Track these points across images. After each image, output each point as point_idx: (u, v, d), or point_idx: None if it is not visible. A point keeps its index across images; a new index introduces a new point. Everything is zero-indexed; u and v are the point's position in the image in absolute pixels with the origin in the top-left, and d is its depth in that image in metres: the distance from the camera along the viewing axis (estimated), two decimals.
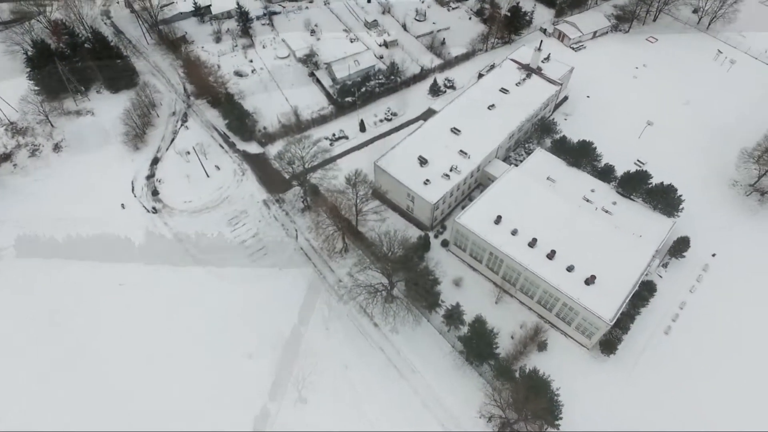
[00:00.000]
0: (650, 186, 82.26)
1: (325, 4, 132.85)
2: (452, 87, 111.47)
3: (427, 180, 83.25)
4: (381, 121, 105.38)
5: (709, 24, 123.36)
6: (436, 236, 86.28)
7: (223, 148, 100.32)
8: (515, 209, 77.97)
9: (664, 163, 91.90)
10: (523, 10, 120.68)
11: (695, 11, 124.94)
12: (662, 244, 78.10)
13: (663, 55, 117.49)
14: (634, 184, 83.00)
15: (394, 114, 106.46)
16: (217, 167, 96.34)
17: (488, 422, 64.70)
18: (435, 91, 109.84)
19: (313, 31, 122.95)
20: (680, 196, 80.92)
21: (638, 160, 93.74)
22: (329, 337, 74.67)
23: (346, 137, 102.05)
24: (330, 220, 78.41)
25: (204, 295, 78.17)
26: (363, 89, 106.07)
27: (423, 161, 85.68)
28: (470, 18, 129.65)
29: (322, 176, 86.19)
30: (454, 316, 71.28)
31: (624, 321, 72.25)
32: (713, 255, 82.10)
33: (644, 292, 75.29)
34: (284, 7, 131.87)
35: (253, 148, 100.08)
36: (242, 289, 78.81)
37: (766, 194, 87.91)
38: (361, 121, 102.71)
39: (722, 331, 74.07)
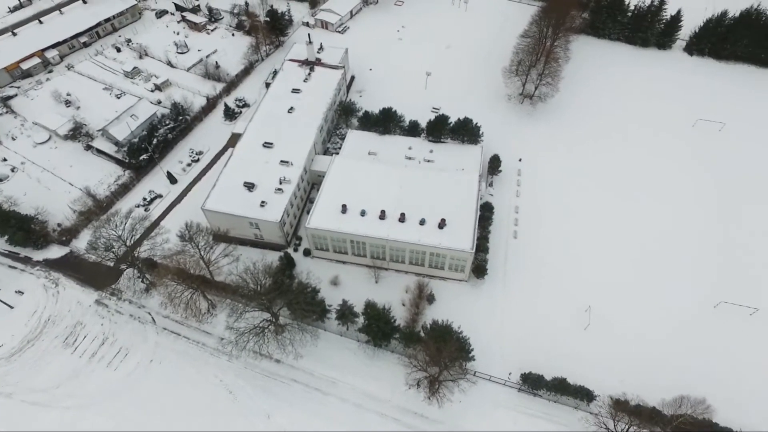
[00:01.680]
0: (451, 125, 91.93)
1: (69, 69, 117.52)
2: (246, 105, 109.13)
3: (263, 202, 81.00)
4: (189, 165, 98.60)
5: None
6: (296, 250, 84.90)
7: (15, 268, 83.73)
8: (354, 192, 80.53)
9: (453, 101, 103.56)
10: (280, 12, 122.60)
11: None
12: (481, 168, 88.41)
13: (413, 13, 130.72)
14: (439, 129, 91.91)
15: (200, 153, 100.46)
16: (19, 292, 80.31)
17: (418, 388, 67.18)
18: (230, 115, 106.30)
19: (68, 102, 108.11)
20: (476, 123, 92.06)
21: (433, 108, 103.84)
22: (235, 399, 69.14)
23: (160, 196, 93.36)
24: (182, 286, 71.52)
25: None
26: (154, 141, 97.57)
27: (250, 186, 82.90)
28: (233, 34, 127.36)
29: (151, 246, 77.90)
30: (345, 313, 71.53)
31: (482, 244, 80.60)
32: (520, 160, 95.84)
33: (486, 213, 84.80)
34: (19, 87, 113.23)
35: (54, 252, 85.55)
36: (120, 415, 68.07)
37: (533, 97, 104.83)
38: (168, 173, 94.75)
39: (552, 213, 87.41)
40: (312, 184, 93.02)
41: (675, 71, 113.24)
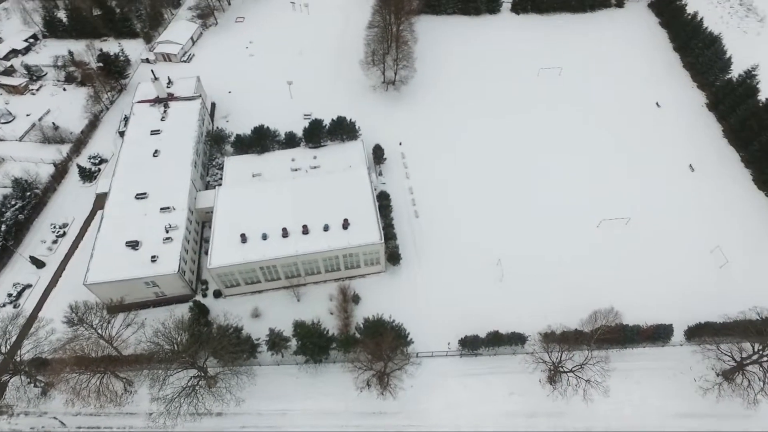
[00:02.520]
0: (327, 127, 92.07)
1: None
2: (103, 161, 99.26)
3: (153, 256, 74.70)
4: (54, 242, 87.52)
5: None
6: (205, 295, 79.63)
7: None
8: (249, 218, 77.38)
9: (321, 103, 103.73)
10: (112, 54, 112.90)
11: None
12: (367, 161, 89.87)
13: (257, 27, 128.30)
14: (316, 133, 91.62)
15: (64, 225, 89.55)
16: None
17: (368, 388, 67.04)
18: (87, 176, 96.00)
19: None
20: (350, 119, 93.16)
21: (305, 114, 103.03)
22: None
23: (29, 285, 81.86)
24: (86, 374, 63.43)
25: None
26: (2, 227, 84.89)
27: (133, 244, 75.91)
28: (64, 89, 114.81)
29: (35, 344, 68.03)
30: (276, 341, 68.83)
31: (389, 232, 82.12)
32: (400, 143, 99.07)
33: (384, 201, 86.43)
34: None
35: None
36: None
37: (395, 82, 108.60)
38: (31, 257, 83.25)
39: (443, 185, 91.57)
40: (202, 222, 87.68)
41: (509, 30, 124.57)
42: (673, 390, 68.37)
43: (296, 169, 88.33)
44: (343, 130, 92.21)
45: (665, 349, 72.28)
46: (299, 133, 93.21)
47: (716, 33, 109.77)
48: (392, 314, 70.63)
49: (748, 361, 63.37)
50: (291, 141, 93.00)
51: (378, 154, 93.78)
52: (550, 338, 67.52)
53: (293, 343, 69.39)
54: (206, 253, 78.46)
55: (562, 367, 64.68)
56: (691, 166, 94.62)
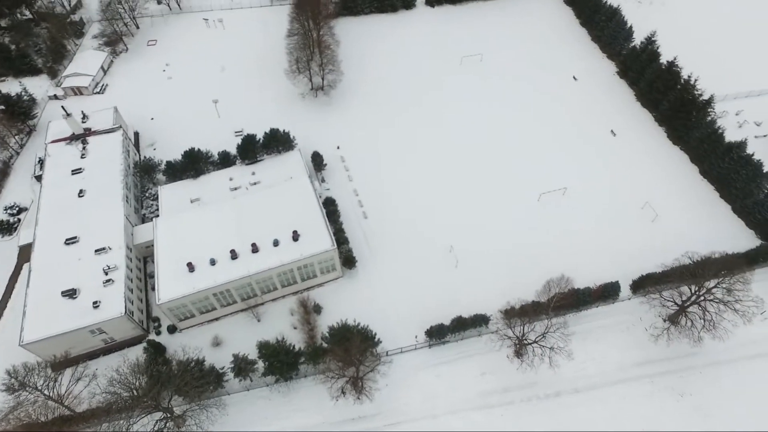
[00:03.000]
0: (261, 141, 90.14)
1: None
2: (22, 210, 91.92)
3: (96, 302, 70.29)
4: None
5: (179, 4, 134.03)
6: (158, 333, 75.79)
7: None
8: (194, 246, 74.42)
9: (252, 118, 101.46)
10: (13, 94, 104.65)
11: (159, 2, 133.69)
12: (308, 169, 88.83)
13: (171, 48, 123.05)
14: (251, 149, 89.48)
15: None
16: None
17: (344, 395, 66.37)
18: (6, 229, 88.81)
19: None
20: (284, 130, 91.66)
21: (236, 131, 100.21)
22: None
23: None
24: None
25: None
26: None
27: (71, 293, 71.00)
28: None
29: None
30: (242, 367, 66.64)
31: (340, 237, 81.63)
32: (338, 147, 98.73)
33: (330, 207, 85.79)
34: None
35: None
36: None
37: (324, 87, 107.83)
38: None
39: (386, 181, 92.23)
40: (144, 258, 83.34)
41: (427, 23, 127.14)
42: (628, 342, 72.66)
43: (236, 188, 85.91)
44: (278, 141, 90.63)
45: (616, 305, 76.62)
46: (233, 151, 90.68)
47: (615, 6, 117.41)
48: (356, 318, 70.34)
49: (688, 303, 68.45)
50: (226, 160, 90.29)
51: (317, 161, 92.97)
52: (510, 314, 69.72)
53: (260, 365, 67.48)
54: (153, 288, 74.57)
55: (526, 339, 67.02)
56: (612, 131, 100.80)
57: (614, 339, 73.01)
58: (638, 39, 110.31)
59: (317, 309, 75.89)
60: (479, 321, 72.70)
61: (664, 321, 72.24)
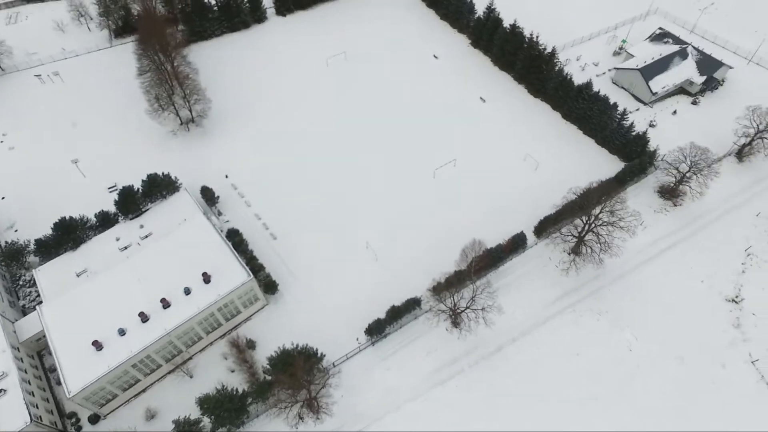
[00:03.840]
0: (140, 190, 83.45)
1: None
2: None
3: None
4: None
5: (0, 66, 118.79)
6: (79, 427, 67.34)
7: None
8: (94, 322, 67.09)
9: (122, 168, 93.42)
10: None
11: None
12: (200, 206, 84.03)
13: (4, 113, 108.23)
14: (132, 201, 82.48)
15: None
16: None
17: (301, 420, 64.53)
18: None
19: None
20: (164, 173, 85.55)
21: (109, 188, 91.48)
22: None
23: None
24: None
25: None
26: None
27: None
28: None
29: None
30: (186, 431, 61.74)
31: (254, 264, 78.34)
32: (226, 176, 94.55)
33: (236, 238, 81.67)
34: None
35: None
36: None
37: (195, 118, 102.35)
38: None
39: (285, 197, 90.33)
40: (38, 352, 73.39)
41: (284, 33, 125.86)
42: (545, 282, 79.05)
43: (126, 247, 78.84)
44: (160, 186, 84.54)
45: (527, 253, 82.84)
46: (112, 208, 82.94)
47: None
48: (293, 340, 68.37)
49: (583, 233, 76.11)
50: (106, 221, 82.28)
51: (208, 196, 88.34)
52: (438, 289, 72.28)
53: (206, 421, 63.04)
54: (58, 383, 66.07)
55: (458, 308, 70.00)
56: (481, 98, 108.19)
57: (533, 283, 78.99)
58: (480, 10, 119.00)
59: (251, 344, 72.51)
60: (412, 305, 74.43)
61: (569, 254, 79.67)
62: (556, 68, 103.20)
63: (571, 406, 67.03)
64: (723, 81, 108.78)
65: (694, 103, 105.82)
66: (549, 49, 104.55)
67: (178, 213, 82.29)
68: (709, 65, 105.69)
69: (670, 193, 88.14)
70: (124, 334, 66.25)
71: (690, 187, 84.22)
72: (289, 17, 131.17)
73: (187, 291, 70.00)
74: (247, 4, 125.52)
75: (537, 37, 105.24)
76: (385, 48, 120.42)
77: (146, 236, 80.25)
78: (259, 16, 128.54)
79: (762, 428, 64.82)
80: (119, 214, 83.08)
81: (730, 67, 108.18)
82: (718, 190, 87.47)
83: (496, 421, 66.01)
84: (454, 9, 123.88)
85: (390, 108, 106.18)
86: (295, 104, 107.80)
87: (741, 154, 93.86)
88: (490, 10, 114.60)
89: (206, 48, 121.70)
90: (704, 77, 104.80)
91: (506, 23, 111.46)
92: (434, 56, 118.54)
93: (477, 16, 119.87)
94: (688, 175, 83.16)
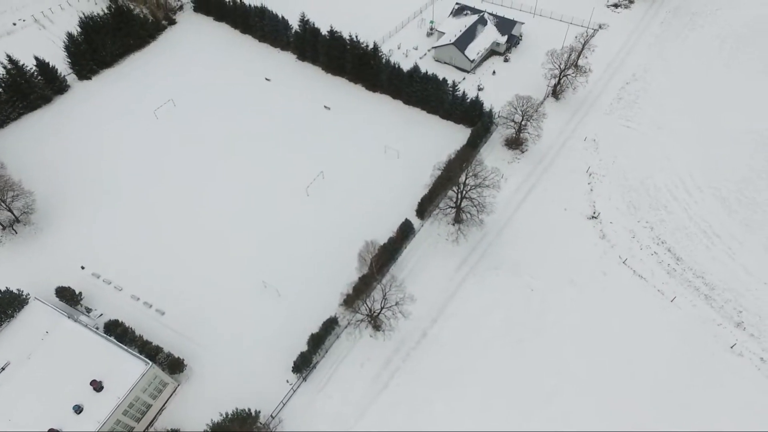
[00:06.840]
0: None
1: None
2: None
3: None
4: None
5: None
6: None
7: None
8: None
9: None
10: None
11: None
12: (61, 310, 72.48)
13: None
14: None
15: None
16: None
17: None
18: None
19: None
20: (3, 289, 72.43)
21: None
22: None
23: None
24: None
25: None
26: None
27: None
28: None
29: None
30: None
31: (151, 349, 70.01)
32: (83, 267, 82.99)
33: (116, 329, 72.08)
34: None
35: None
36: None
37: (21, 217, 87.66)
38: None
39: (153, 262, 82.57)
40: None
41: (96, 95, 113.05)
42: (443, 258, 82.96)
43: None
44: (4, 306, 71.04)
45: (417, 236, 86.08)
46: None
47: (259, 5, 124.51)
48: (220, 410, 62.82)
49: (459, 201, 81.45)
50: None
51: (67, 295, 76.64)
52: (350, 301, 71.83)
53: None
54: None
55: (374, 312, 70.31)
56: (325, 106, 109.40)
57: (431, 262, 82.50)
58: (295, 24, 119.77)
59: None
60: (330, 325, 72.93)
61: (453, 225, 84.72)
62: (383, 61, 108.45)
63: (504, 355, 71.61)
64: (521, 36, 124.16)
65: (506, 60, 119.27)
66: (371, 46, 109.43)
67: (35, 328, 69.93)
68: (506, 25, 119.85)
69: (515, 143, 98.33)
70: None
71: (528, 132, 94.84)
72: (95, 79, 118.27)
73: (78, 409, 60.29)
74: (40, 78, 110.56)
75: (357, 36, 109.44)
76: (213, 84, 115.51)
77: (3, 368, 67.01)
78: (59, 86, 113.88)
79: (638, 305, 75.83)
80: None
81: (522, 23, 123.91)
82: (550, 129, 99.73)
83: (451, 397, 67.76)
84: (270, 29, 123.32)
85: (239, 143, 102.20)
86: (130, 167, 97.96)
87: (555, 93, 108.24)
88: (305, 22, 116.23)
89: (6, 137, 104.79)
90: (506, 36, 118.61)
91: (324, 31, 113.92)
92: (266, 79, 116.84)
93: (294, 30, 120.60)
94: (523, 123, 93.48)
